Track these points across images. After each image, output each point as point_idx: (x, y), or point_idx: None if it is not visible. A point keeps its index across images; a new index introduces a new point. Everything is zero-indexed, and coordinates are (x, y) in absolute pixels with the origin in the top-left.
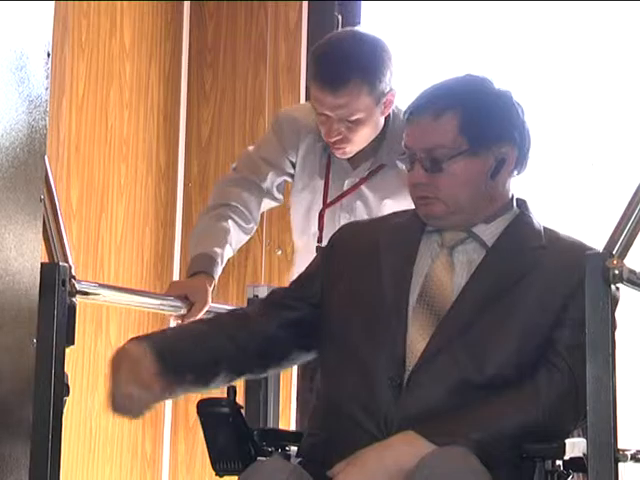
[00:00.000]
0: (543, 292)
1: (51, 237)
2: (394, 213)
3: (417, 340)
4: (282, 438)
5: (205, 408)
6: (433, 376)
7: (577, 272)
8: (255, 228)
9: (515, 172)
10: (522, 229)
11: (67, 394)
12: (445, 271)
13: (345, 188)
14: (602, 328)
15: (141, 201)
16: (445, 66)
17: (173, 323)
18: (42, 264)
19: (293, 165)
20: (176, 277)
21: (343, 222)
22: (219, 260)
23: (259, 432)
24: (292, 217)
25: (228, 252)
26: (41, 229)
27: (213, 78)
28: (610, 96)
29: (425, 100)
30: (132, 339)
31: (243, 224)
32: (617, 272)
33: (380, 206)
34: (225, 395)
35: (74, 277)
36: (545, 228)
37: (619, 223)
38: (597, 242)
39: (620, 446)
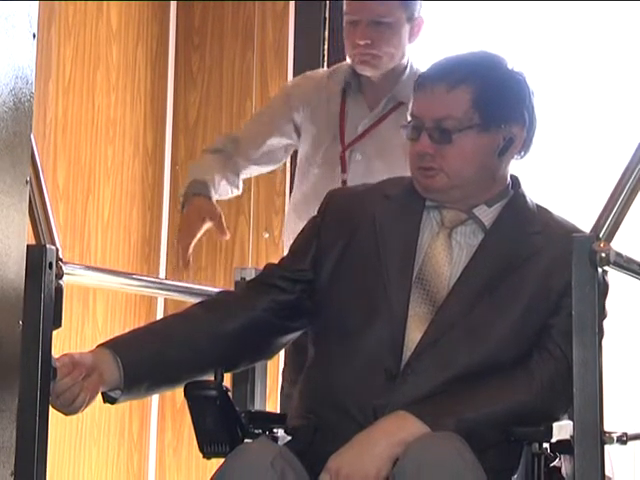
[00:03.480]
0: (540, 280)
1: (38, 219)
2: (385, 182)
3: (413, 330)
4: (269, 420)
5: (192, 391)
6: (428, 367)
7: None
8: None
9: (518, 155)
10: (518, 212)
11: (54, 377)
12: (443, 253)
13: (361, 130)
14: (588, 311)
15: (128, 183)
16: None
17: (161, 302)
18: (28, 246)
19: (297, 131)
20: (163, 259)
21: (355, 165)
22: (214, 184)
23: (246, 414)
24: (296, 191)
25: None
26: (27, 211)
27: (200, 60)
28: (610, 75)
29: (440, 70)
30: (100, 345)
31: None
32: (604, 255)
33: (393, 150)
34: (213, 378)
35: (61, 259)
36: (539, 208)
37: (606, 206)
38: (590, 223)
39: (606, 428)
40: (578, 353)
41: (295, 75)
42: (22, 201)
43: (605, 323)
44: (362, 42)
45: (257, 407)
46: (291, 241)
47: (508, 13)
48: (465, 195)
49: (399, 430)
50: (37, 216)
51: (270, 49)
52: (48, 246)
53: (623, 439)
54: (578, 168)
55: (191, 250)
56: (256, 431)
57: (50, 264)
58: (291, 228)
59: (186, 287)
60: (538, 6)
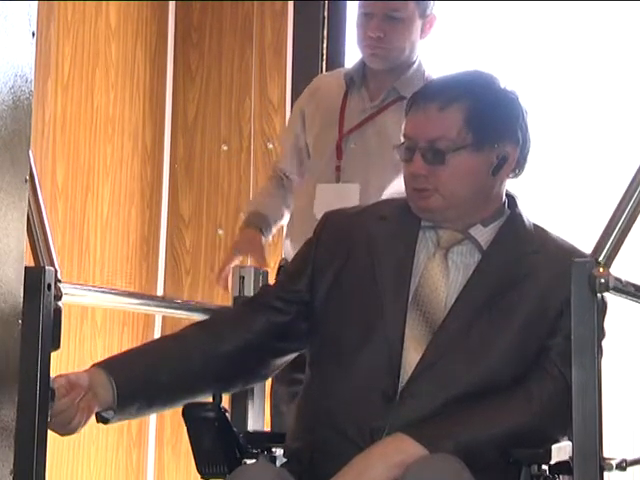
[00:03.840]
0: (538, 301)
1: (36, 240)
2: (380, 203)
3: (411, 351)
4: (268, 440)
5: (191, 413)
6: (426, 390)
7: (570, 283)
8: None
9: (512, 174)
10: (515, 232)
11: (52, 399)
12: (440, 274)
13: (359, 119)
14: (588, 336)
15: (127, 181)
16: (435, 65)
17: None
18: (27, 268)
19: (303, 122)
20: (162, 257)
21: (349, 153)
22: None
23: (245, 435)
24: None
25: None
26: (26, 210)
27: (199, 58)
28: (609, 95)
29: (432, 90)
30: (94, 365)
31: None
32: (603, 281)
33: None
34: (211, 399)
35: (59, 280)
36: (536, 227)
37: (605, 230)
38: (589, 241)
39: (606, 454)
40: (577, 378)
41: (294, 73)
42: (21, 199)
43: (604, 343)
44: (374, 35)
45: (255, 426)
46: (292, 235)
47: (509, 13)
48: (460, 215)
49: (397, 452)
50: (36, 237)
51: (269, 47)
52: (47, 268)
53: (622, 465)
54: (578, 178)
55: (224, 275)
56: (254, 451)
57: (49, 285)
58: (289, 227)
59: (184, 304)
60: (539, 6)
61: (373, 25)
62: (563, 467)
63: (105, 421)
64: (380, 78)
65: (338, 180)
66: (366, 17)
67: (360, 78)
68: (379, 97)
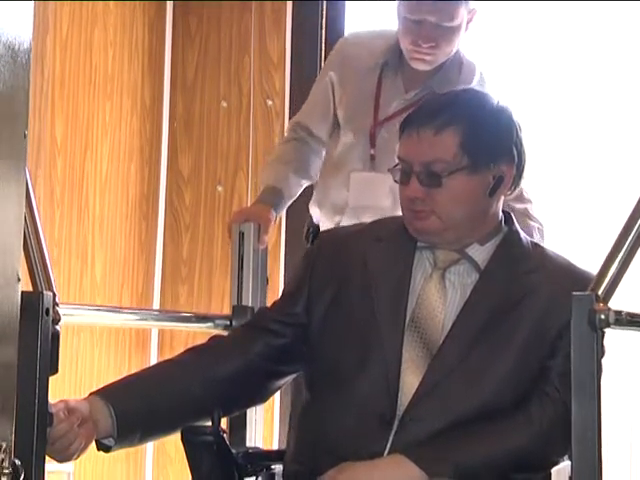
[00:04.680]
0: (537, 322)
1: (34, 263)
2: (377, 223)
3: (408, 374)
4: (266, 458)
5: (189, 437)
6: (427, 414)
7: (568, 303)
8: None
9: (509, 191)
10: (512, 250)
11: (50, 423)
12: (437, 294)
13: (391, 112)
14: (587, 372)
15: (126, 139)
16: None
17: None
18: (24, 293)
19: (332, 89)
20: (161, 214)
21: (381, 142)
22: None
23: (243, 454)
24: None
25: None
26: (25, 165)
27: (198, 19)
28: (612, 101)
29: (426, 113)
30: (93, 393)
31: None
32: (603, 317)
33: None
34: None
35: (57, 304)
36: (533, 245)
37: (605, 264)
38: (588, 256)
39: None
40: (577, 414)
41: (293, 33)
42: (20, 154)
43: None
44: (427, 45)
45: (254, 443)
46: (317, 211)
47: (512, 14)
48: (458, 236)
49: (397, 477)
50: (33, 260)
51: (268, 6)
52: (45, 292)
53: None
54: (580, 187)
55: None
56: (254, 469)
57: (47, 310)
58: (319, 197)
59: (182, 316)
60: (540, 6)
61: (424, 34)
62: None
63: (107, 449)
64: (417, 70)
65: (372, 169)
66: (415, 24)
67: (395, 64)
68: (413, 90)
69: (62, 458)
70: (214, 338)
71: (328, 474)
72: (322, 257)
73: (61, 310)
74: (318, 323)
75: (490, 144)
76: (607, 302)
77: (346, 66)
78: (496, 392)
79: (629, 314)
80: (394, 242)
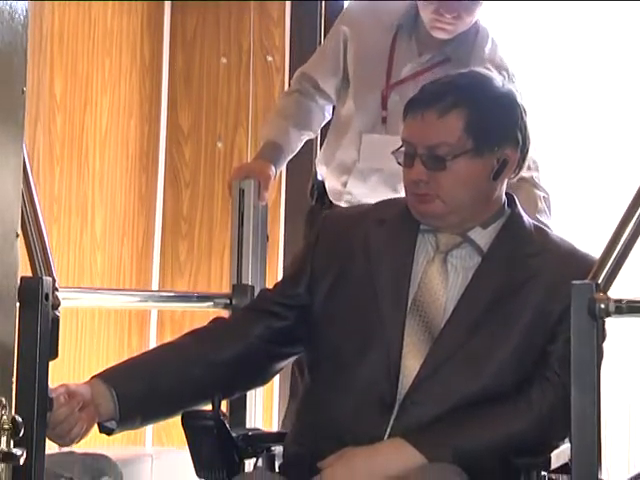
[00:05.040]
0: (539, 306)
1: (34, 249)
2: (379, 205)
3: (409, 358)
4: (266, 440)
5: (190, 421)
6: (428, 398)
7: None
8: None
9: (513, 174)
10: (515, 233)
11: (51, 408)
12: (439, 278)
13: (404, 75)
14: (588, 360)
15: (125, 95)
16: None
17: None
18: (24, 278)
19: (345, 45)
20: (161, 170)
21: (393, 105)
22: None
23: (243, 437)
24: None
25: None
26: (24, 123)
27: None
28: (614, 98)
29: (430, 96)
30: (95, 376)
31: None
32: (603, 306)
33: None
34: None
35: (57, 289)
36: (535, 227)
37: (605, 252)
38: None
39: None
40: (577, 403)
41: None
42: (19, 110)
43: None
44: (450, 15)
45: (253, 424)
46: (324, 169)
47: (512, 13)
48: (462, 220)
49: (397, 462)
50: (33, 246)
51: None
52: (45, 278)
53: None
54: (583, 179)
55: None
56: (254, 450)
57: (47, 295)
58: (326, 155)
59: (181, 296)
60: (540, 6)
61: (448, 4)
62: (562, 468)
63: (109, 432)
64: (432, 35)
65: (384, 131)
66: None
67: (410, 27)
68: (427, 54)
69: (63, 442)
70: (215, 321)
71: (327, 460)
72: (324, 239)
73: (60, 294)
74: (320, 305)
75: (495, 128)
76: (607, 291)
77: (361, 22)
78: (497, 376)
79: (629, 302)
80: (396, 225)
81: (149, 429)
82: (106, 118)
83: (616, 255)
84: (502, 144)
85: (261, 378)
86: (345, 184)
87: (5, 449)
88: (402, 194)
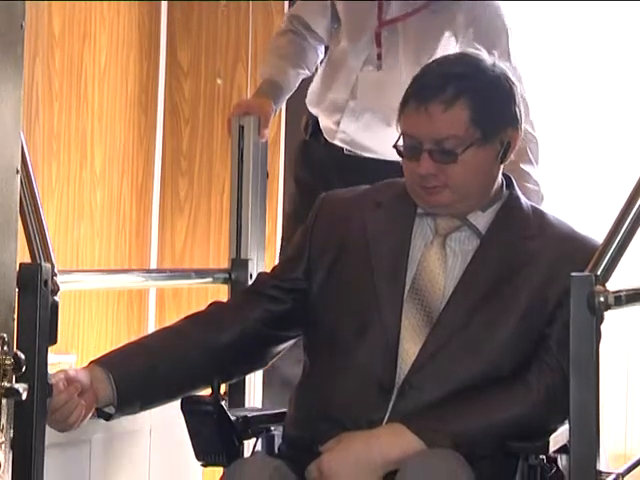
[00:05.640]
0: (536, 289)
1: (33, 235)
2: (377, 187)
3: (408, 341)
4: (266, 421)
5: (189, 406)
6: (427, 382)
7: (570, 269)
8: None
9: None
10: (512, 216)
11: (50, 394)
12: (437, 262)
13: (396, 13)
14: (587, 353)
15: (124, 30)
16: None
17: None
18: (23, 264)
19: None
20: (160, 107)
21: (385, 42)
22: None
23: (243, 419)
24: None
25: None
26: (22, 60)
27: None
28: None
29: (430, 88)
30: (93, 362)
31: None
32: (603, 299)
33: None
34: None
35: (56, 274)
36: (533, 209)
37: (605, 244)
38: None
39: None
40: (576, 396)
41: None
42: (17, 45)
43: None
44: None
45: (252, 404)
46: (315, 110)
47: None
48: (470, 206)
49: (396, 447)
50: (32, 233)
51: None
52: (44, 264)
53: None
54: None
55: None
56: (253, 431)
57: (45, 282)
58: (317, 95)
59: (180, 274)
60: (540, 6)
61: None
62: (561, 449)
63: (108, 417)
64: None
65: (380, 68)
66: None
67: None
68: None
69: (62, 428)
70: (213, 304)
71: (326, 445)
72: (321, 222)
73: (59, 278)
74: (318, 288)
75: (497, 113)
76: (606, 281)
77: None
78: (496, 360)
79: (628, 291)
80: (393, 208)
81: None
82: (105, 54)
83: (616, 246)
84: (506, 127)
85: (260, 361)
86: (338, 123)
87: (7, 385)
88: (395, 131)
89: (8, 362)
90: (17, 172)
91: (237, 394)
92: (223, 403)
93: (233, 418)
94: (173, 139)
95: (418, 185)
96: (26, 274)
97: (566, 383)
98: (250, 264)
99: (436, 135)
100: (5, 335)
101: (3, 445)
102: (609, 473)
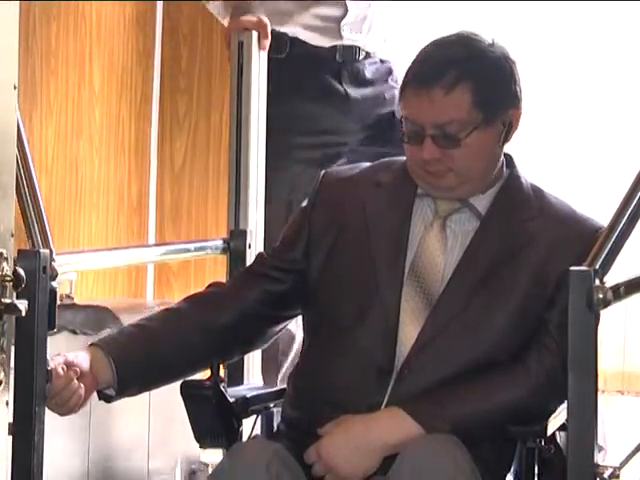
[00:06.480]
0: (536, 272)
1: (31, 221)
2: (376, 167)
3: (407, 324)
4: (264, 399)
5: (188, 390)
6: (426, 365)
7: (570, 251)
8: None
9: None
10: (513, 196)
11: (49, 380)
12: (437, 244)
13: None
14: (585, 348)
15: None
16: None
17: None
18: (21, 250)
19: None
20: (159, 26)
21: None
22: None
23: (242, 400)
24: None
25: None
26: (17, 8)
27: None
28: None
29: (431, 72)
30: (92, 345)
31: None
32: (601, 296)
33: None
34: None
35: (54, 260)
36: (534, 190)
37: (604, 238)
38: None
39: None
40: (574, 391)
41: None
42: None
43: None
44: None
45: (251, 380)
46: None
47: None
48: (473, 188)
49: (395, 432)
50: (30, 219)
51: None
52: (42, 251)
53: (616, 474)
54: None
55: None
56: (253, 411)
57: (44, 268)
58: None
59: (179, 248)
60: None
61: None
62: (559, 427)
63: (108, 399)
64: None
65: None
66: None
67: None
68: None
69: (62, 412)
70: (213, 285)
71: (325, 428)
72: (321, 202)
73: (58, 258)
74: (317, 269)
75: (499, 94)
76: (605, 275)
77: None
78: (495, 343)
79: (626, 283)
80: (393, 188)
81: (150, 281)
82: None
83: (615, 239)
84: (507, 107)
85: (259, 341)
86: None
87: (7, 301)
88: None
89: (8, 278)
90: (14, 88)
91: (236, 371)
92: (222, 386)
93: (232, 400)
94: (172, 57)
95: (421, 168)
96: (24, 260)
97: (565, 367)
98: (249, 235)
99: (438, 120)
100: (4, 251)
101: (4, 364)
102: (606, 467)
